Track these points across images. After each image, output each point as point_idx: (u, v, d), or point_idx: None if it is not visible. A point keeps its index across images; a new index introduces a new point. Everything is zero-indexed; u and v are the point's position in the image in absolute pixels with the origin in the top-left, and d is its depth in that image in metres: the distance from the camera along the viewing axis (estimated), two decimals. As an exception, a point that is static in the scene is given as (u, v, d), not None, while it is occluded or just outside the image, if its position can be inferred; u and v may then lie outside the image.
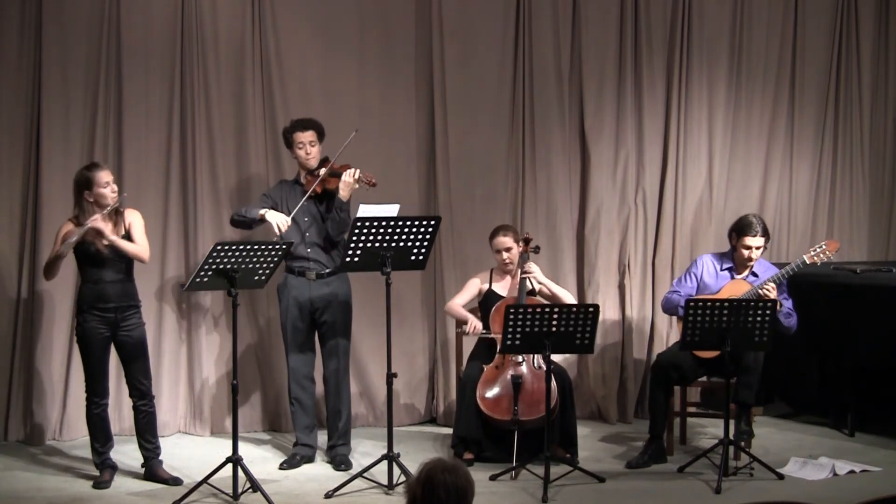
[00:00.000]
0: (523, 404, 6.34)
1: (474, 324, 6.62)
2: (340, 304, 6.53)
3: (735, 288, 6.54)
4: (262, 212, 6.43)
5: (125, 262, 6.02)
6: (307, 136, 6.51)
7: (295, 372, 6.53)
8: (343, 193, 6.37)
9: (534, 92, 7.57)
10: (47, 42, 6.88)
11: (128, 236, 6.00)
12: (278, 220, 6.36)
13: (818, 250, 6.53)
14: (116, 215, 6.01)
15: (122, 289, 6.00)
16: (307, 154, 6.51)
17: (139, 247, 6.01)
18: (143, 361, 6.11)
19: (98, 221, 5.87)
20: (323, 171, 6.45)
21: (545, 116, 7.60)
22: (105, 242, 5.92)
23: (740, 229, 6.60)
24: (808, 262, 6.51)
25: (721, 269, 6.69)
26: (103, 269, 5.96)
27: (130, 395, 6.14)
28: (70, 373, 6.91)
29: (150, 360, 6.20)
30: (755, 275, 6.62)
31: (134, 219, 6.07)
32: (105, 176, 5.96)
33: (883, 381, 7.21)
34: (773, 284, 6.41)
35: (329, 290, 6.50)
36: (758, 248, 6.57)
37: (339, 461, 6.42)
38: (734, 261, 6.68)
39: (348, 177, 6.36)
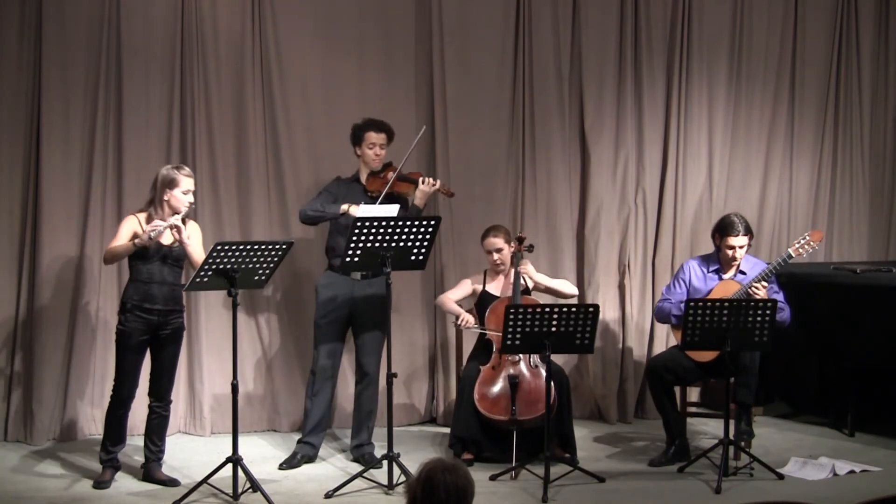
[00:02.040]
0: (521, 404, 6.34)
1: (465, 317, 6.62)
2: (382, 306, 6.52)
3: (725, 289, 6.54)
4: (345, 207, 6.42)
5: (178, 267, 6.02)
6: (381, 138, 6.57)
7: (322, 369, 6.53)
8: (419, 201, 6.47)
9: (534, 92, 7.58)
10: (47, 42, 6.88)
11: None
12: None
13: (802, 242, 6.53)
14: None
15: (171, 292, 5.99)
16: (375, 155, 6.55)
17: (202, 257, 6.00)
18: (173, 363, 6.11)
19: (178, 220, 5.87)
20: (391, 174, 6.49)
21: (545, 116, 7.60)
22: (164, 239, 5.90)
23: (723, 229, 6.61)
24: (793, 255, 6.51)
25: (708, 272, 6.70)
26: (160, 267, 5.94)
27: (149, 394, 6.13)
28: (70, 373, 6.91)
29: (177, 366, 6.20)
30: (742, 272, 6.63)
31: (193, 232, 6.06)
32: (190, 184, 5.96)
33: (883, 381, 7.21)
34: (761, 284, 6.41)
35: (372, 290, 6.51)
36: (741, 246, 6.58)
37: (369, 459, 6.42)
38: (720, 261, 6.68)
39: (427, 187, 6.46)
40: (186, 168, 6.05)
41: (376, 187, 6.53)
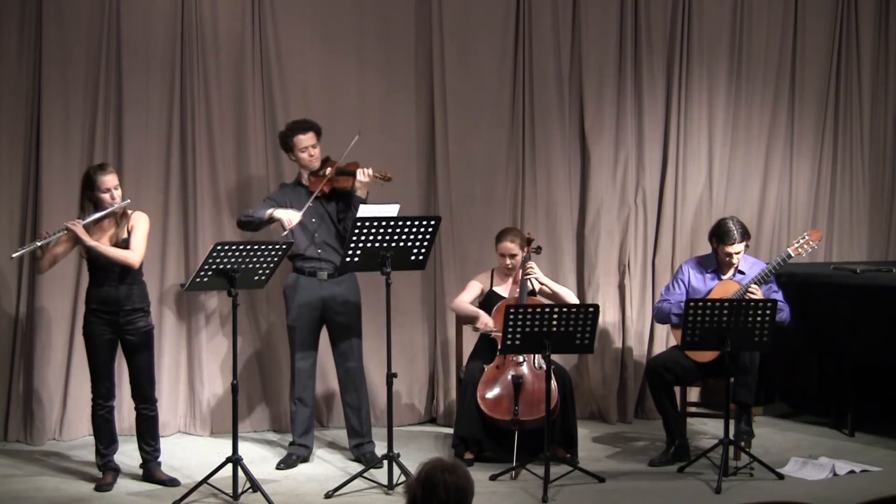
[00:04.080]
0: (524, 404, 6.34)
1: (486, 320, 6.60)
2: (352, 303, 6.55)
3: (724, 289, 6.55)
4: (269, 211, 6.41)
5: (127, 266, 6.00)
6: (309, 139, 6.52)
7: (301, 373, 6.53)
8: (361, 192, 6.44)
9: (534, 92, 7.58)
10: (47, 42, 6.88)
11: (128, 240, 5.97)
12: (288, 216, 6.34)
13: (801, 241, 6.55)
14: (121, 218, 5.99)
15: (127, 292, 5.97)
16: (310, 156, 6.52)
17: (125, 252, 5.91)
18: (147, 365, 6.10)
19: (77, 226, 5.82)
20: (329, 170, 6.46)
21: (545, 116, 7.59)
22: (87, 245, 5.88)
23: (719, 237, 6.61)
24: (792, 254, 6.52)
25: (707, 272, 6.70)
26: (107, 271, 5.93)
27: (132, 397, 6.14)
28: (70, 373, 6.91)
29: (154, 364, 6.19)
30: (741, 272, 6.64)
31: (137, 222, 6.02)
32: (108, 181, 5.91)
33: (883, 381, 7.21)
34: (755, 287, 6.42)
35: (340, 289, 6.51)
36: (738, 252, 6.58)
37: (370, 458, 6.42)
38: (718, 262, 6.68)
39: (363, 176, 6.42)
40: (108, 167, 6.01)
41: (319, 186, 6.49)
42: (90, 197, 5.93)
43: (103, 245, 5.90)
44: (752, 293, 6.39)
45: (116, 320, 5.96)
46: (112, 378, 6.07)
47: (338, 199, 6.50)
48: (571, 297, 6.79)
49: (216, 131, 7.16)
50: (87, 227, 5.88)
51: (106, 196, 5.91)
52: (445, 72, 7.46)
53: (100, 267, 5.95)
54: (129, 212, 6.03)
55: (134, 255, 5.95)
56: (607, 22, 7.65)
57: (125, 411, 6.70)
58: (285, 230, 6.34)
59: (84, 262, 6.18)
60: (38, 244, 5.84)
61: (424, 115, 7.51)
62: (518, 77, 7.56)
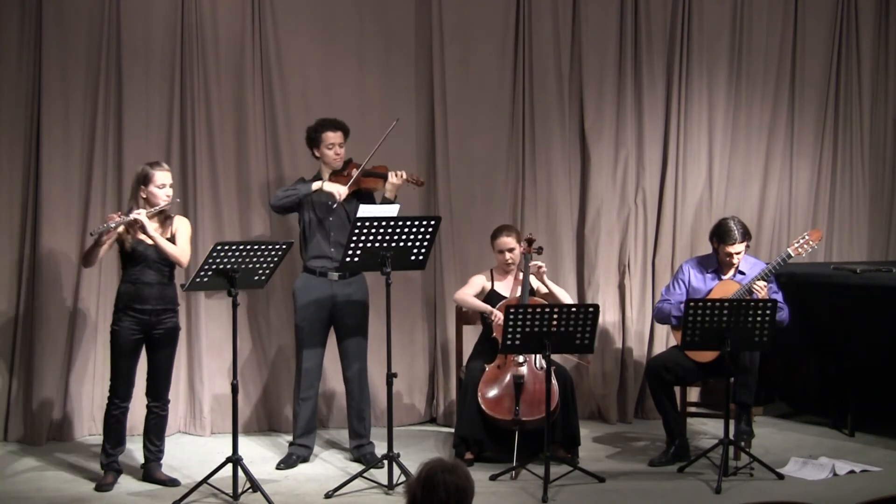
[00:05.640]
0: (525, 404, 6.34)
1: (498, 313, 6.57)
2: (361, 305, 6.55)
3: (725, 288, 6.55)
4: (317, 184, 6.43)
5: (167, 265, 6.01)
6: (338, 137, 6.55)
7: (307, 373, 6.54)
8: (390, 193, 6.47)
9: (534, 92, 7.58)
10: (47, 42, 6.88)
11: (172, 242, 6.00)
12: (338, 189, 6.37)
13: (801, 241, 6.54)
14: (165, 219, 6.00)
15: (161, 291, 5.99)
16: (336, 154, 6.54)
17: (179, 249, 6.00)
18: (169, 364, 6.11)
19: (142, 215, 5.87)
20: (354, 170, 6.47)
21: (545, 116, 7.60)
22: (148, 240, 5.91)
23: (720, 237, 6.61)
24: (792, 254, 6.52)
25: (707, 272, 6.70)
26: (145, 269, 5.95)
27: (146, 394, 6.13)
28: (70, 373, 6.91)
29: (174, 365, 6.20)
30: (742, 272, 6.64)
31: (181, 225, 6.08)
32: (163, 178, 5.96)
33: (883, 381, 7.20)
34: (762, 283, 6.42)
35: (350, 290, 6.52)
36: (738, 253, 6.58)
37: (370, 459, 6.43)
38: (718, 262, 6.68)
39: (397, 178, 6.45)
40: (163, 164, 6.07)
41: (342, 185, 6.50)
42: (142, 192, 5.95)
43: (162, 239, 5.93)
44: (758, 289, 6.38)
45: (148, 320, 5.97)
46: (133, 379, 6.07)
47: (359, 200, 6.50)
48: (567, 300, 6.78)
49: (216, 131, 7.17)
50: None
51: (161, 192, 5.96)
52: (445, 72, 7.46)
53: (138, 265, 5.94)
54: (171, 215, 6.05)
55: (186, 255, 6.06)
56: (607, 22, 7.66)
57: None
58: (336, 202, 6.35)
59: (93, 265, 6.16)
60: (112, 225, 5.85)
61: (424, 115, 7.51)
62: (518, 77, 7.57)
